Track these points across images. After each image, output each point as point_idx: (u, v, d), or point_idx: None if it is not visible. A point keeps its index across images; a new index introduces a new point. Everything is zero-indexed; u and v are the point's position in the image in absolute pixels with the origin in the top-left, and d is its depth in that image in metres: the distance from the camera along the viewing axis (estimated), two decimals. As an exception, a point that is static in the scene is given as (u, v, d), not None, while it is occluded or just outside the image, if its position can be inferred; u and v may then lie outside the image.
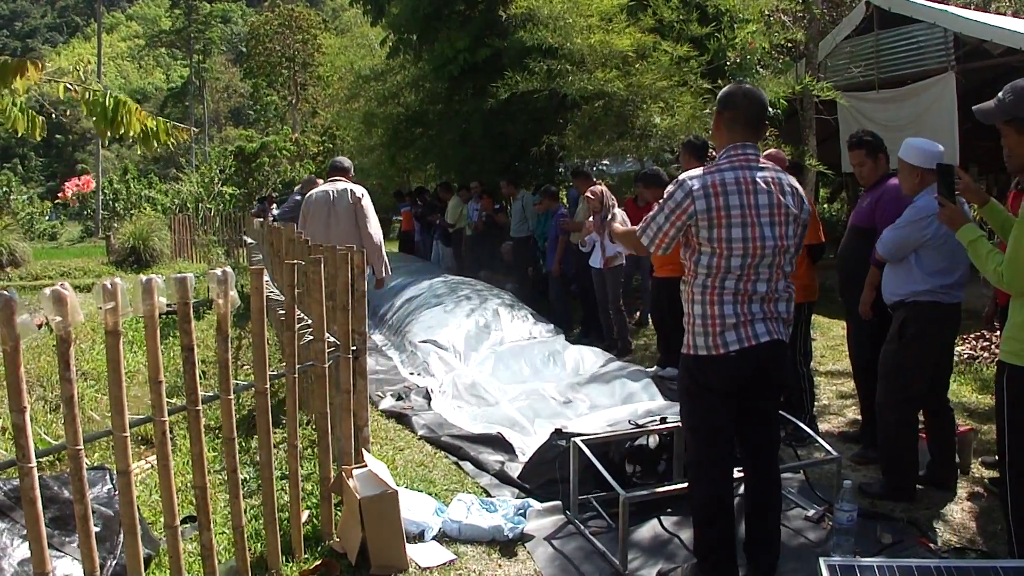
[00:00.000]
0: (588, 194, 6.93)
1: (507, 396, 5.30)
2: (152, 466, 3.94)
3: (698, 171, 2.76)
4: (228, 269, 2.80)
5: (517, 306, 7.21)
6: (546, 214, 8.56)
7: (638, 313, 8.12)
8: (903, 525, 3.46)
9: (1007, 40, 8.52)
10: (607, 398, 5.09)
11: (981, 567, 2.21)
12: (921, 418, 3.88)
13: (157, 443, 2.62)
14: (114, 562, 2.80)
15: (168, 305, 2.56)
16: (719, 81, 8.22)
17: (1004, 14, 14.27)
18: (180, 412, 2.79)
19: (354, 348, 3.44)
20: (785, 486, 3.84)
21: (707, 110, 7.93)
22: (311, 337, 3.37)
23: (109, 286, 2.36)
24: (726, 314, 2.70)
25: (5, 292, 2.16)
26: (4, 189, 28.49)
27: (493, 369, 5.93)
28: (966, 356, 6.23)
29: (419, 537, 3.32)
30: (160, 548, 3.08)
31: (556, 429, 3.88)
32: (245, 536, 2.92)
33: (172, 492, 2.62)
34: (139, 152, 6.06)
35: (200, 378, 2.72)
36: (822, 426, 4.78)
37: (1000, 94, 2.65)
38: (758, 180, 2.72)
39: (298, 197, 9.46)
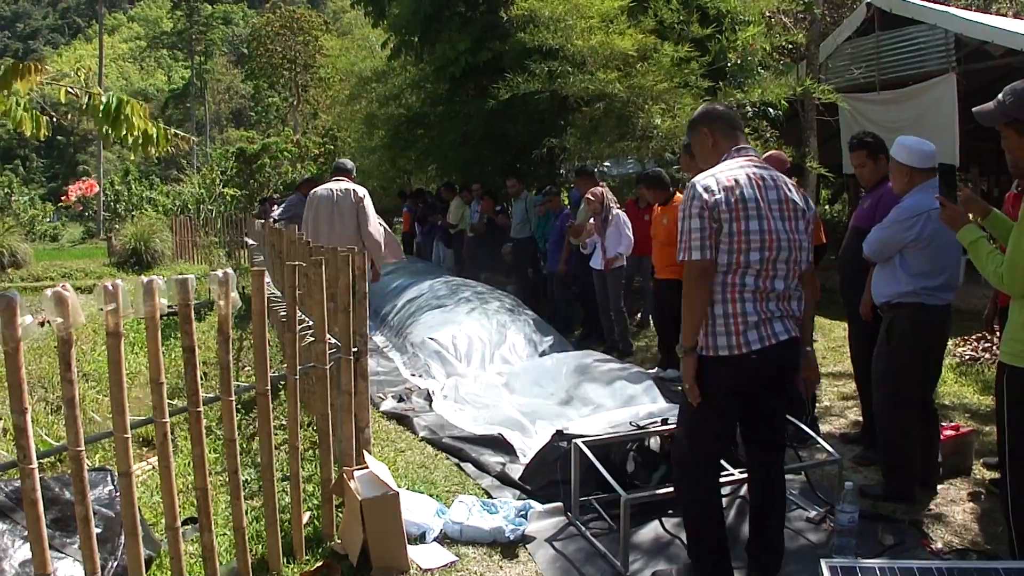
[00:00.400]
0: (588, 195, 6.93)
1: (507, 394, 5.30)
2: (153, 467, 3.95)
3: (706, 173, 2.77)
4: (229, 270, 2.80)
5: (518, 310, 7.21)
6: (547, 215, 8.56)
7: (639, 315, 8.12)
8: (905, 526, 3.45)
9: (1008, 41, 8.52)
10: (608, 399, 5.09)
11: (982, 568, 2.21)
12: None
13: (158, 444, 2.62)
14: (115, 563, 2.80)
15: (169, 306, 2.56)
16: (720, 83, 8.24)
17: (1005, 15, 14.29)
18: (181, 413, 2.79)
19: (355, 349, 3.44)
20: (786, 487, 3.85)
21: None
22: (312, 338, 3.37)
23: (110, 287, 2.37)
24: (747, 312, 2.68)
25: (7, 293, 2.16)
26: (6, 190, 28.51)
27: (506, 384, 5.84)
28: (967, 357, 6.23)
29: (420, 538, 3.32)
30: (161, 549, 3.08)
31: (557, 431, 3.88)
32: (246, 537, 2.92)
33: (173, 493, 2.62)
34: (136, 157, 6.07)
35: (201, 379, 2.72)
36: (823, 427, 4.78)
37: (1000, 96, 2.65)
38: (765, 177, 2.75)
39: (295, 197, 9.52)
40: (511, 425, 4.70)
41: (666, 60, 7.63)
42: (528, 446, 4.32)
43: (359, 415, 3.50)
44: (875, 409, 3.84)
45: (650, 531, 3.45)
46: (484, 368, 6.18)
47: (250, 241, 12.19)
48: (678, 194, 6.02)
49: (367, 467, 3.29)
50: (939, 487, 3.86)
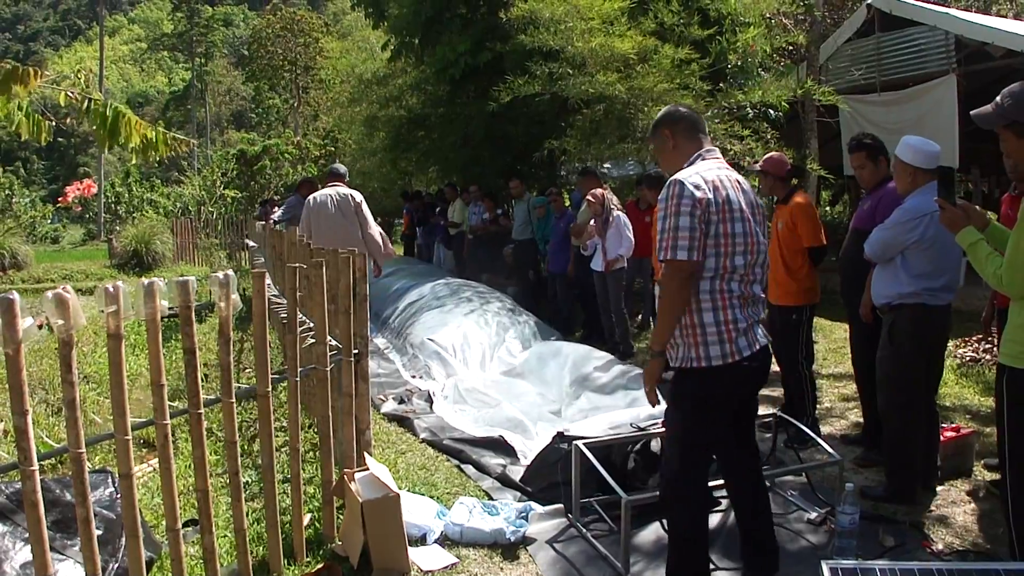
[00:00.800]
0: (589, 197, 6.93)
1: (507, 396, 5.30)
2: (154, 469, 3.95)
3: (688, 170, 2.67)
4: (230, 272, 2.81)
5: (518, 311, 7.21)
6: (546, 217, 8.57)
7: (639, 316, 8.12)
8: (905, 528, 3.46)
9: (1008, 42, 8.51)
10: (609, 401, 5.08)
11: (983, 569, 2.21)
12: None
13: (159, 446, 2.62)
14: (116, 565, 2.80)
15: (170, 308, 2.57)
16: (720, 84, 8.24)
17: (1005, 16, 14.29)
18: (182, 415, 2.79)
19: (356, 351, 3.45)
20: (787, 489, 3.86)
21: (708, 113, 7.95)
22: (313, 340, 3.37)
23: (111, 289, 2.37)
24: (737, 319, 2.64)
25: (8, 295, 2.16)
26: (6, 192, 28.49)
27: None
28: (968, 358, 6.23)
29: (421, 540, 3.32)
30: (162, 551, 3.08)
31: (558, 432, 3.88)
32: (247, 539, 2.92)
33: (174, 495, 2.62)
34: (136, 160, 6.08)
35: (202, 381, 2.72)
36: (824, 429, 4.78)
37: (998, 98, 2.64)
38: (738, 179, 2.73)
39: (294, 198, 9.54)
40: (512, 427, 4.70)
41: (666, 62, 7.63)
42: (529, 448, 4.32)
43: (360, 417, 3.50)
44: (880, 411, 3.83)
45: (651, 533, 3.45)
46: (484, 369, 6.18)
47: (251, 243, 12.18)
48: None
49: (368, 469, 3.29)
50: (940, 488, 3.86)
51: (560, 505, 3.63)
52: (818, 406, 4.89)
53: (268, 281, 4.78)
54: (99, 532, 2.57)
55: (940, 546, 3.31)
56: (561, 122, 9.17)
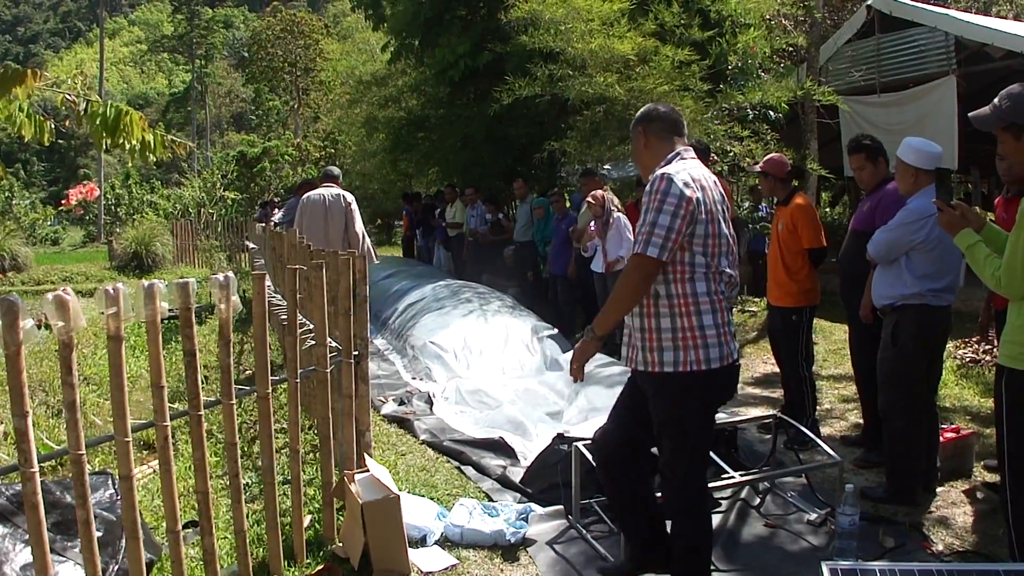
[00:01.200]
0: (589, 198, 6.93)
1: (508, 397, 5.29)
2: (154, 471, 3.95)
3: (673, 166, 2.59)
4: (230, 274, 2.81)
5: (518, 310, 7.21)
6: (545, 218, 8.56)
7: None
8: (905, 529, 3.46)
9: (1008, 44, 8.52)
10: (609, 402, 5.07)
11: (982, 570, 2.21)
12: None
13: (159, 448, 2.62)
14: (116, 567, 2.80)
15: (170, 310, 2.57)
16: (720, 85, 8.24)
17: (1005, 17, 14.30)
18: (182, 417, 2.79)
19: (356, 353, 3.45)
20: (787, 490, 3.86)
21: (708, 114, 7.95)
22: (313, 342, 3.38)
23: (111, 291, 2.37)
24: (729, 321, 2.65)
25: (8, 297, 2.17)
26: (6, 194, 28.50)
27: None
28: (968, 359, 6.23)
29: (421, 542, 3.32)
30: (162, 553, 3.08)
31: (558, 434, 3.88)
32: (247, 541, 2.92)
33: (174, 497, 2.62)
34: (135, 162, 6.07)
35: (202, 383, 2.72)
36: (824, 430, 4.78)
37: (996, 100, 2.64)
38: (714, 179, 2.71)
39: (294, 200, 9.57)
40: (512, 428, 4.70)
41: (666, 63, 7.64)
42: (529, 449, 4.32)
43: (360, 418, 3.50)
44: (882, 412, 3.83)
45: (651, 534, 3.45)
46: (484, 370, 6.17)
47: (251, 245, 12.19)
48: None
49: (368, 470, 3.29)
50: (940, 489, 3.86)
51: (560, 507, 3.62)
52: (818, 407, 4.89)
53: (268, 283, 4.78)
54: (99, 534, 2.57)
55: (940, 547, 3.31)
56: (561, 123, 9.18)
